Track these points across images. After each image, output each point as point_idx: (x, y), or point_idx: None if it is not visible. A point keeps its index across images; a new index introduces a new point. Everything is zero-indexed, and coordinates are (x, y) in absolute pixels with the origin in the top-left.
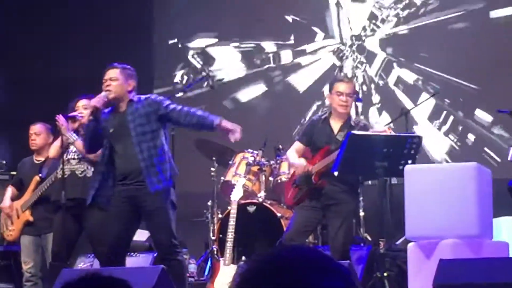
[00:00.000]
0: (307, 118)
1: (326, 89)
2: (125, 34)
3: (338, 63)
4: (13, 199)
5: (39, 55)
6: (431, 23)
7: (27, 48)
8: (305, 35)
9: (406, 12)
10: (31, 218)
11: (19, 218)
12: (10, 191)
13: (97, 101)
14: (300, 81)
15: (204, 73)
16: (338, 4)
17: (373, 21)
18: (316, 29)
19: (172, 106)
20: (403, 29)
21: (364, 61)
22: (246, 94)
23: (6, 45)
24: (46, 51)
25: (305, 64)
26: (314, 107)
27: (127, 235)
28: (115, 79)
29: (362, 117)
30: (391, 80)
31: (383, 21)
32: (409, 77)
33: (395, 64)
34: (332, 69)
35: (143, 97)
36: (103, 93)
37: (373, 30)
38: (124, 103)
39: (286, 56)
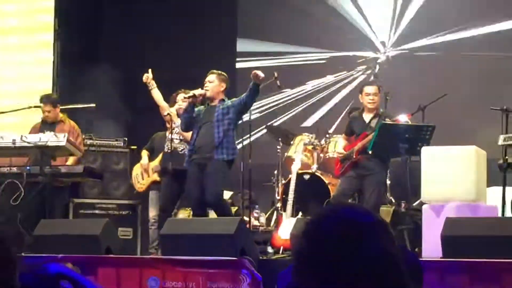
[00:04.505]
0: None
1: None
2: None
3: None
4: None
5: (136, 55)
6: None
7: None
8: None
9: None
10: (158, 179)
11: (149, 176)
12: (146, 153)
13: (197, 91)
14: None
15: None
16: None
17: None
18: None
19: (237, 102)
20: None
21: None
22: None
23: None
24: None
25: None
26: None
27: (203, 192)
28: (212, 81)
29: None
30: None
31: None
32: None
33: None
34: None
35: (230, 101)
36: (203, 90)
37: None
38: (216, 100)
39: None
